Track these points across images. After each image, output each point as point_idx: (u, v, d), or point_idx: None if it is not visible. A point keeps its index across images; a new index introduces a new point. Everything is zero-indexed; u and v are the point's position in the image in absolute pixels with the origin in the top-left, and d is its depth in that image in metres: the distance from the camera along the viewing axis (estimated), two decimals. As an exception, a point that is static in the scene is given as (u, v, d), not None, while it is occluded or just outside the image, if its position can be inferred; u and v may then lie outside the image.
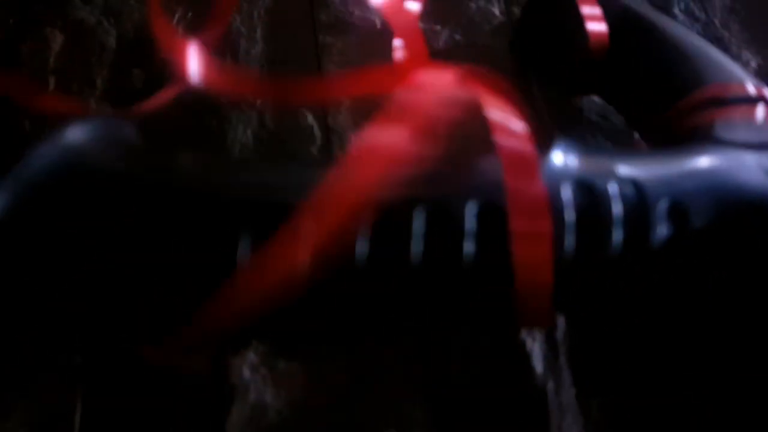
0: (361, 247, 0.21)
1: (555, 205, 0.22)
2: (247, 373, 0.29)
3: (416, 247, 0.21)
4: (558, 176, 0.23)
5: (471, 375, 0.28)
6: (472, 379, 0.28)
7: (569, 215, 0.22)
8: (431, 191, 0.22)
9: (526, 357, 0.28)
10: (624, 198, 0.23)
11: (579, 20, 0.31)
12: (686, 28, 0.38)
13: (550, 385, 0.28)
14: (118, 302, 0.23)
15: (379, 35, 0.38)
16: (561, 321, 0.29)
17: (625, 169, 0.23)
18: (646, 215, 0.23)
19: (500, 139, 0.23)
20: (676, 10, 0.38)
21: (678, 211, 0.23)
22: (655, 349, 0.28)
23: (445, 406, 0.27)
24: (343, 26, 0.39)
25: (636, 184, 0.23)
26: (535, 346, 0.28)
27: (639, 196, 0.23)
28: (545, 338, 0.29)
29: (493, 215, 0.21)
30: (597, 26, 0.31)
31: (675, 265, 0.24)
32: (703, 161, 0.25)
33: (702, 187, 0.24)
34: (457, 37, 0.38)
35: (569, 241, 0.22)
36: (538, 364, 0.28)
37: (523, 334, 0.29)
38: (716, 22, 0.38)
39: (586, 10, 0.31)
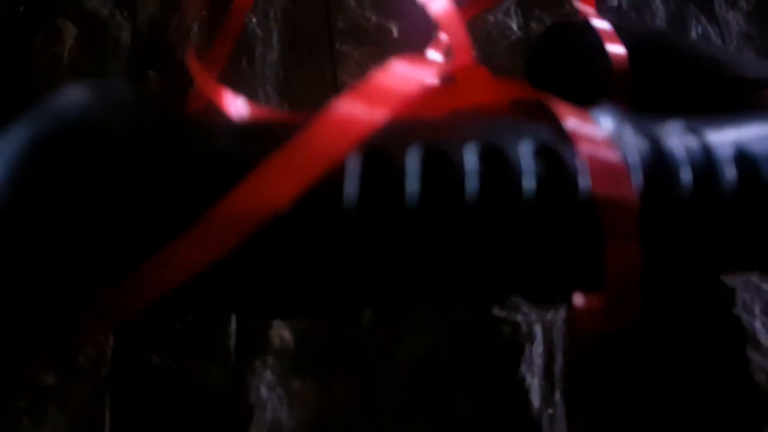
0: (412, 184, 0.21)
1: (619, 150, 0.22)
2: (264, 392, 0.31)
3: (471, 184, 0.21)
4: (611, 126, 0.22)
5: (471, 405, 0.30)
6: (472, 409, 0.30)
7: (632, 157, 0.22)
8: (484, 133, 0.22)
9: (524, 391, 0.30)
10: (687, 146, 0.22)
11: (602, 53, 0.31)
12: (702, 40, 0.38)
13: (545, 419, 0.30)
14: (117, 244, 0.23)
15: (396, 45, 0.38)
16: (559, 358, 0.31)
17: (681, 121, 0.23)
18: (711, 159, 0.22)
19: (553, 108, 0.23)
20: (693, 35, 0.38)
21: (744, 157, 0.23)
22: (649, 393, 0.30)
23: (447, 434, 0.30)
24: (360, 34, 0.39)
25: (696, 131, 0.23)
26: (534, 381, 0.31)
27: (700, 142, 0.22)
28: (543, 374, 0.31)
29: (551, 155, 0.21)
30: (619, 57, 0.31)
31: (744, 218, 0.23)
32: (766, 118, 0.24)
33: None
34: (473, 53, 0.38)
35: (636, 181, 0.22)
36: (536, 399, 0.30)
37: (523, 369, 0.31)
38: (732, 48, 0.38)
39: (609, 47, 0.31)
